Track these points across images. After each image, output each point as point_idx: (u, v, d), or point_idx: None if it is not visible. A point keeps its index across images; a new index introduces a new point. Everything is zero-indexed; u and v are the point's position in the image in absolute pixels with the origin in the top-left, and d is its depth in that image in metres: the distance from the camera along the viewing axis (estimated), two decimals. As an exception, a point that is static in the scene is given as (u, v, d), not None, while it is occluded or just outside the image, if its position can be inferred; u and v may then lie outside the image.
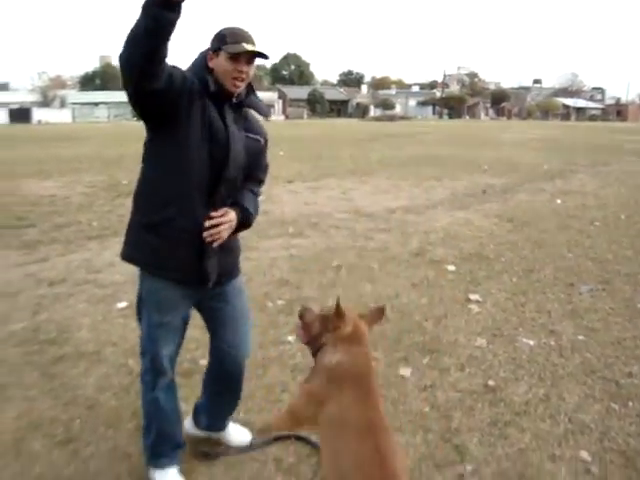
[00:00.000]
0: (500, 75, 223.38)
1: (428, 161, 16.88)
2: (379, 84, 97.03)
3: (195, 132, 2.31)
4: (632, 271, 6.12)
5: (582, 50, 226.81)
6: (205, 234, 2.36)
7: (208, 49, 2.38)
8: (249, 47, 2.29)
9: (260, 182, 2.70)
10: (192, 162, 2.32)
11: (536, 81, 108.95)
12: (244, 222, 2.53)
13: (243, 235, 2.76)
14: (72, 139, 27.16)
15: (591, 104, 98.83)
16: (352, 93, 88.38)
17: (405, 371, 3.83)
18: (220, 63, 2.33)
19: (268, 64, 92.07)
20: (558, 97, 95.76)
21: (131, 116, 53.78)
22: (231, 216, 2.43)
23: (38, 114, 59.56)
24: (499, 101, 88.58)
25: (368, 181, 12.79)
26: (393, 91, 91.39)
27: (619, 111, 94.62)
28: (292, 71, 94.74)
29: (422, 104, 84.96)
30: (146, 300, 2.49)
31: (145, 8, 1.97)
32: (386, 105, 79.19)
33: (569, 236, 7.67)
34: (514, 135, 32.65)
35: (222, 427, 3.00)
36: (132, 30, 2.02)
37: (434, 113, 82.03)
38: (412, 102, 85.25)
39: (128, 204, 2.60)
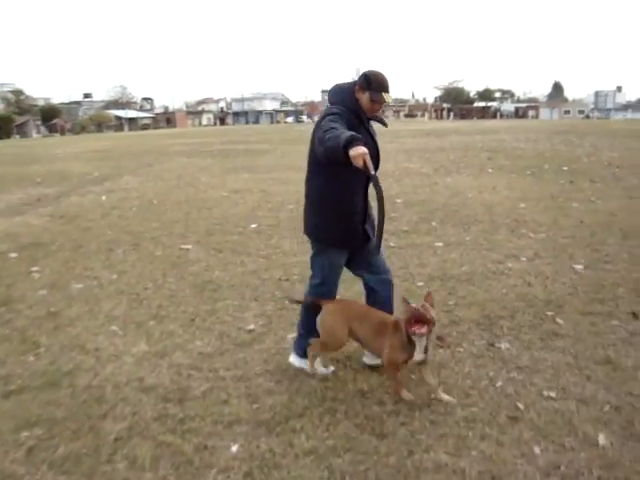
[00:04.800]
0: (49, 91, 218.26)
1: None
2: None
3: None
4: (155, 235, 8.46)
5: (130, 63, 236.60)
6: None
7: (356, 83, 3.58)
8: (386, 97, 3.52)
9: None
10: (358, 171, 3.35)
11: (86, 95, 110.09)
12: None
13: None
14: None
15: (142, 114, 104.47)
16: None
17: None
18: (363, 100, 3.55)
19: None
20: (110, 109, 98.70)
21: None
22: None
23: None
24: (51, 117, 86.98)
25: None
26: None
27: (168, 119, 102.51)
28: None
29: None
30: (330, 264, 3.87)
31: (339, 150, 3.10)
32: None
33: (110, 220, 9.77)
34: (67, 149, 33.59)
35: None
36: (330, 148, 3.20)
37: (-22, 135, 76.49)
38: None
39: None
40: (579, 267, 6.24)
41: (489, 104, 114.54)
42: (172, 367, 4.16)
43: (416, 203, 10.37)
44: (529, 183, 12.66)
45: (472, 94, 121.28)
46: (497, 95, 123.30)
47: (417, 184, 12.85)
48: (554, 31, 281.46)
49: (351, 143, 3.06)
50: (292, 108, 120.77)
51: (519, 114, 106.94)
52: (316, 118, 4.32)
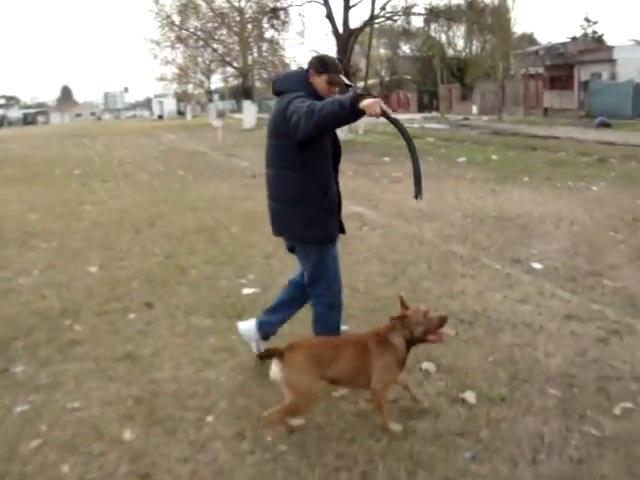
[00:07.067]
0: None
1: None
2: None
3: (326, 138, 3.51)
4: None
5: None
6: None
7: (309, 69, 3.52)
8: (344, 79, 3.50)
9: None
10: (329, 160, 3.55)
11: None
12: None
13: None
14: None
15: None
16: None
17: None
18: (319, 83, 3.49)
19: None
20: None
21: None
22: None
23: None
24: None
25: None
26: None
27: None
28: None
29: None
30: (328, 262, 3.63)
31: (345, 109, 2.98)
32: None
33: None
34: None
35: None
36: (329, 114, 3.04)
37: None
38: None
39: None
40: (94, 269, 6.33)
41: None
42: None
43: None
44: (40, 191, 12.28)
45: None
46: (1, 102, 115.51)
47: None
48: (59, 37, 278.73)
49: (361, 96, 3.00)
50: None
51: (28, 120, 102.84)
52: None
